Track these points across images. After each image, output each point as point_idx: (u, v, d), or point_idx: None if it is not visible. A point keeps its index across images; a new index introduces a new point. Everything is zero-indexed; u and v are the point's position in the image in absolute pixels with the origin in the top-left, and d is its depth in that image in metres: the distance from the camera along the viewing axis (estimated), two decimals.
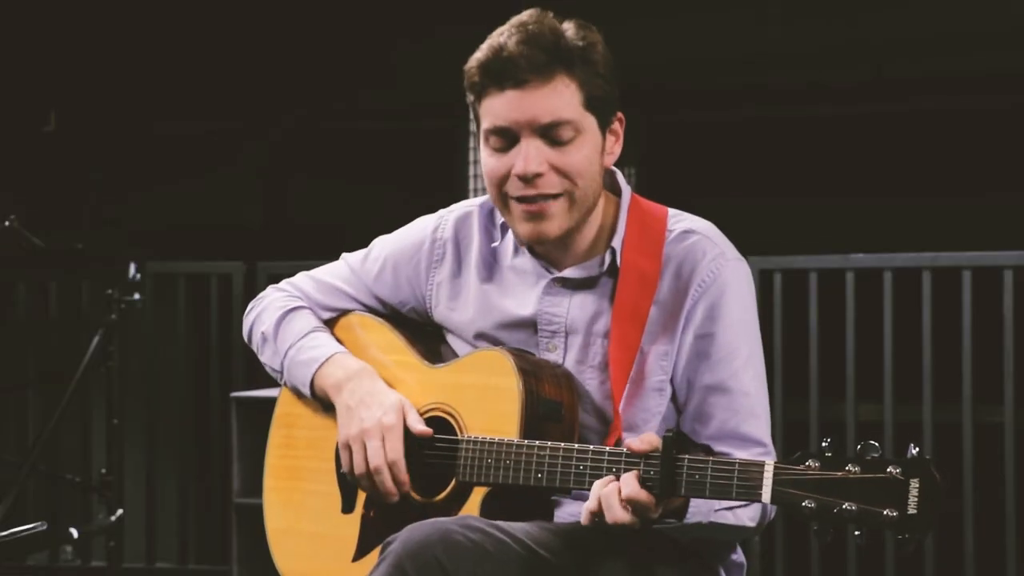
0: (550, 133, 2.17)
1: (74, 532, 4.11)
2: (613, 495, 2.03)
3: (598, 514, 2.05)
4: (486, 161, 2.22)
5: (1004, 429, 4.24)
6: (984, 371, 4.28)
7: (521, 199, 2.20)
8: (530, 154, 2.17)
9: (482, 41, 2.24)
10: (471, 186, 5.66)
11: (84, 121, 6.03)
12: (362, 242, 2.55)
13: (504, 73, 2.15)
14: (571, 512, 2.26)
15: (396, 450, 2.25)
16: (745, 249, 2.38)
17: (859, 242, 4.62)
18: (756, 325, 2.29)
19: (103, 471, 4.32)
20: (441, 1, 5.63)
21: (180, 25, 5.89)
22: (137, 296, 4.21)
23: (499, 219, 2.37)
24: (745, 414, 2.23)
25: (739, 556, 2.34)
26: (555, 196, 2.20)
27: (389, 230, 2.52)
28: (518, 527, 2.11)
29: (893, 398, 4.31)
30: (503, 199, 2.23)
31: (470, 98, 2.23)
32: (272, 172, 6.09)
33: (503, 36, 2.17)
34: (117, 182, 6.09)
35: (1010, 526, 4.22)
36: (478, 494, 2.21)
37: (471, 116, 2.28)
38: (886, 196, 5.37)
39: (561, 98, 2.16)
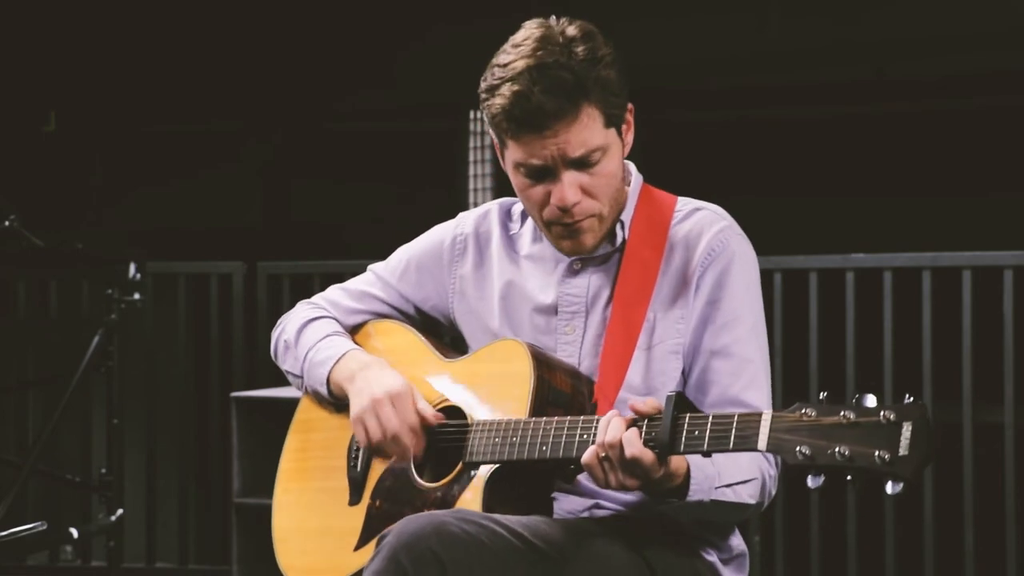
0: (582, 161, 2.25)
1: (74, 532, 4.11)
2: (617, 440, 2.05)
3: (616, 456, 2.05)
4: (519, 185, 2.30)
5: (1004, 429, 4.24)
6: (984, 371, 4.28)
7: (560, 223, 2.29)
8: (566, 187, 2.25)
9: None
10: (471, 186, 5.67)
11: (84, 121, 6.03)
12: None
13: (532, 122, 2.21)
14: (569, 509, 2.28)
15: (408, 410, 2.30)
16: None
17: (859, 242, 4.62)
18: (760, 299, 2.34)
19: (103, 471, 4.32)
20: (441, 1, 5.63)
21: (180, 25, 5.89)
22: (137, 296, 4.21)
23: (516, 211, 2.46)
24: (747, 381, 2.26)
25: (740, 545, 2.35)
26: (588, 216, 2.29)
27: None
28: (514, 519, 2.13)
29: (893, 398, 4.30)
30: (541, 219, 2.31)
31: (493, 131, 2.30)
32: (272, 172, 6.09)
33: (523, 81, 2.20)
34: (117, 182, 6.09)
35: (1010, 526, 4.21)
36: (481, 477, 2.21)
37: (484, 128, 2.32)
38: (886, 196, 5.37)
39: (588, 130, 2.23)
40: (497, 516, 2.12)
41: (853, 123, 5.46)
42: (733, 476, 2.17)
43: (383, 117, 6.01)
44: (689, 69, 5.54)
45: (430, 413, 2.32)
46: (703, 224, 2.32)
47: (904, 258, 4.33)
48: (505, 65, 2.23)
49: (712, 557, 2.30)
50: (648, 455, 2.03)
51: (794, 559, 4.44)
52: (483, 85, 2.26)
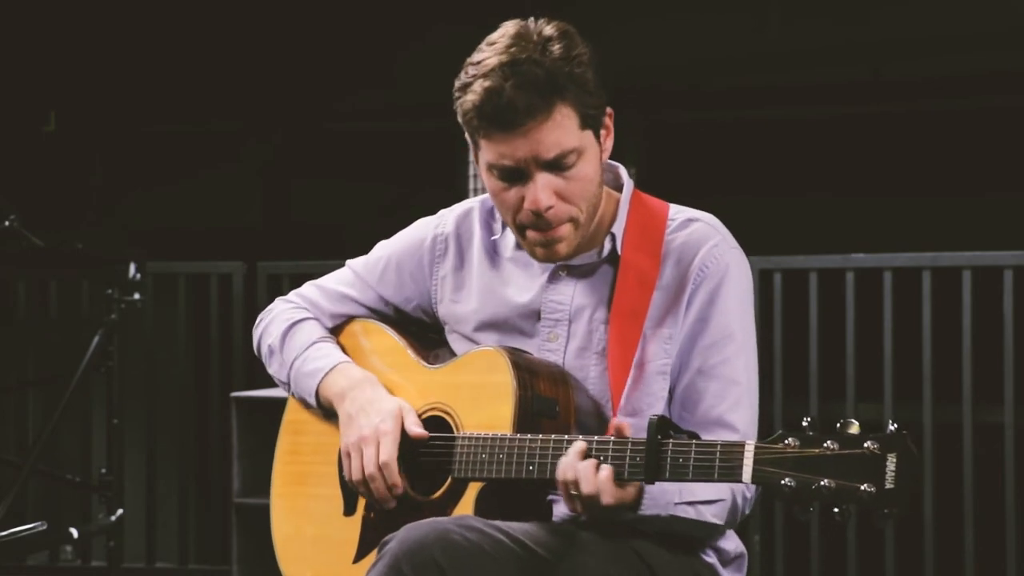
0: (556, 163, 2.19)
1: (74, 532, 4.11)
2: (590, 472, 2.06)
3: (575, 491, 2.07)
4: (492, 188, 2.24)
5: (1004, 429, 4.24)
6: (984, 371, 4.28)
7: (533, 227, 2.23)
8: (539, 190, 2.19)
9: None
10: (471, 186, 5.66)
11: (84, 121, 6.03)
12: (362, 241, 2.56)
13: (503, 120, 2.16)
14: (567, 511, 2.26)
15: (389, 454, 2.26)
16: (745, 249, 2.39)
17: (859, 242, 4.62)
18: (752, 315, 2.31)
19: (103, 471, 4.32)
20: (441, 1, 5.63)
21: (180, 25, 5.89)
22: (137, 296, 4.21)
23: (499, 214, 2.39)
24: (732, 402, 2.24)
25: (739, 546, 2.34)
26: (563, 222, 2.23)
27: (389, 230, 2.53)
28: (516, 526, 2.12)
29: (893, 398, 4.32)
30: (515, 223, 2.26)
31: (466, 130, 2.24)
32: (272, 172, 6.09)
33: (495, 77, 2.15)
34: (117, 182, 6.09)
35: (1010, 526, 4.22)
36: (472, 490, 2.21)
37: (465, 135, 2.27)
38: (886, 196, 5.37)
39: (562, 129, 2.17)
40: (499, 523, 2.11)
41: (852, 123, 5.46)
42: (696, 495, 2.16)
43: (383, 117, 6.01)
44: (688, 69, 5.54)
45: (420, 433, 2.28)
46: (698, 237, 2.28)
47: (904, 258, 4.34)
48: (478, 63, 2.18)
49: (711, 558, 2.29)
50: (628, 493, 2.06)
51: (794, 559, 4.45)
52: (456, 84, 2.22)
